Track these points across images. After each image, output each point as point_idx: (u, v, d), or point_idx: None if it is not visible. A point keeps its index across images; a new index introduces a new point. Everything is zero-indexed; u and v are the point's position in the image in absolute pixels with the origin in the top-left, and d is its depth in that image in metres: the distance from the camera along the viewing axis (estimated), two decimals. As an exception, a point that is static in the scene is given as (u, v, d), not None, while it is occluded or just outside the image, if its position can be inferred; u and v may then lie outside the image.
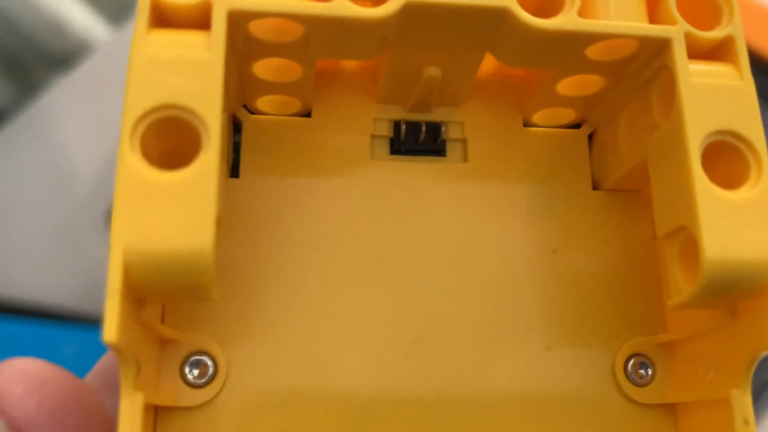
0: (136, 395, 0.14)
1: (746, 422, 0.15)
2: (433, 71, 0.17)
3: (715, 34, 0.16)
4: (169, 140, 0.14)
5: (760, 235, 0.14)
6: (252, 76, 0.17)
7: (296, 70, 0.17)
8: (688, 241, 0.15)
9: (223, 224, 0.16)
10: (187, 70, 0.14)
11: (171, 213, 0.13)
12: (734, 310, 0.15)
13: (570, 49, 0.16)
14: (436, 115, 0.19)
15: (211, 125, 0.13)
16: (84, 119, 0.47)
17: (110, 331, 0.12)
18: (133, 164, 0.13)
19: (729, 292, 0.14)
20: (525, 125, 0.19)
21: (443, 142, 0.19)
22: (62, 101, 0.49)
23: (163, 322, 0.17)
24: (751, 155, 0.15)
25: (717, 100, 0.15)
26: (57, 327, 0.42)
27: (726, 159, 0.15)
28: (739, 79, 0.15)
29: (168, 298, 0.14)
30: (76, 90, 0.49)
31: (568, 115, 0.19)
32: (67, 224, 0.44)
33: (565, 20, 0.15)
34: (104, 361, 0.17)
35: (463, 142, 0.19)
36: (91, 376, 0.17)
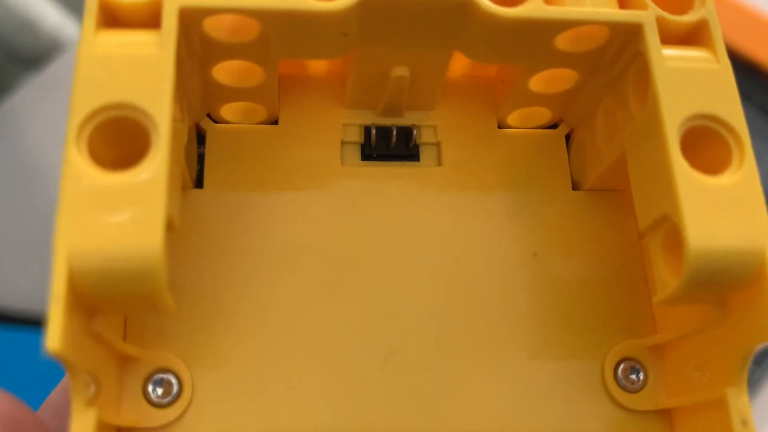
0: (88, 412, 0.13)
1: (744, 423, 0.14)
2: (401, 71, 0.17)
3: (688, 18, 0.15)
4: (121, 145, 0.14)
5: (745, 222, 0.14)
6: (213, 81, 0.16)
7: (258, 74, 0.16)
8: (671, 232, 0.14)
9: (182, 232, 0.16)
10: (135, 67, 0.13)
11: (117, 216, 0.12)
12: (724, 304, 0.15)
13: (538, 40, 0.15)
14: (407, 119, 0.18)
15: (160, 123, 0.13)
16: (56, 119, 0.45)
17: (53, 339, 0.12)
18: (79, 165, 0.13)
19: (716, 284, 0.14)
20: (500, 127, 0.19)
21: (416, 146, 0.18)
22: (33, 101, 0.47)
23: (125, 340, 0.16)
24: (732, 140, 0.14)
25: (693, 83, 0.14)
26: (31, 332, 0.40)
27: (706, 145, 0.14)
28: (716, 62, 0.15)
29: (120, 307, 0.14)
30: (48, 89, 0.47)
31: (544, 115, 0.18)
32: (40, 226, 0.42)
33: (531, 8, 0.15)
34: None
35: (437, 145, 0.18)
36: (55, 394, 0.16)
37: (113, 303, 0.13)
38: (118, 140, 0.13)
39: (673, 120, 0.14)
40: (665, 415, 0.16)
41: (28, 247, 0.43)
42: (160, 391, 0.15)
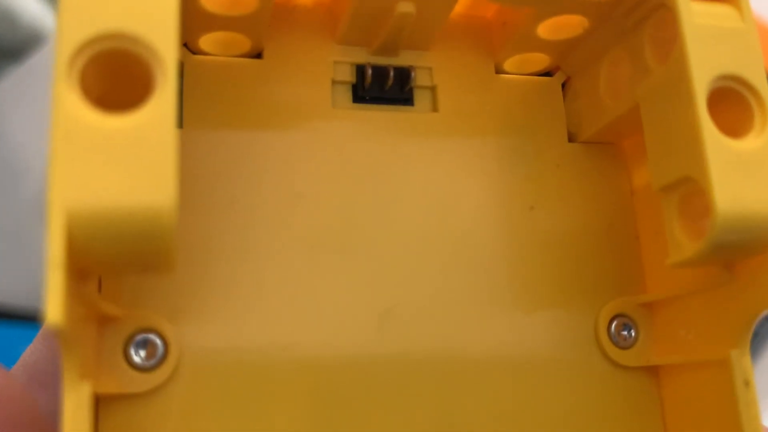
0: (83, 387, 0.11)
1: (746, 383, 0.14)
2: (406, 7, 0.15)
3: (714, -29, 0.15)
4: (107, 81, 0.12)
5: None
6: (198, 8, 0.14)
7: (251, 2, 0.14)
8: (691, 194, 0.14)
9: None
10: None
11: (123, 164, 0.11)
12: (731, 267, 0.15)
13: (563, -16, 0.14)
14: (402, 59, 0.17)
15: (167, 58, 0.11)
16: (36, 112, 0.43)
17: (55, 311, 0.10)
18: (73, 107, 0.11)
19: (736, 248, 0.14)
20: (496, 72, 0.18)
21: (411, 89, 0.17)
22: (13, 93, 0.45)
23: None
24: (754, 102, 0.14)
25: (720, 42, 0.14)
26: (13, 327, 0.39)
27: (728, 106, 0.14)
28: (741, 20, 0.14)
29: (117, 268, 0.12)
30: (28, 81, 0.45)
31: (542, 61, 0.18)
32: (21, 221, 0.41)
33: None
34: (29, 353, 0.15)
35: (432, 89, 0.17)
36: (16, 371, 0.14)
37: (112, 264, 0.11)
38: (106, 77, 0.12)
39: (702, 80, 0.14)
40: (653, 371, 0.17)
41: (10, 242, 0.41)
42: (143, 353, 0.14)
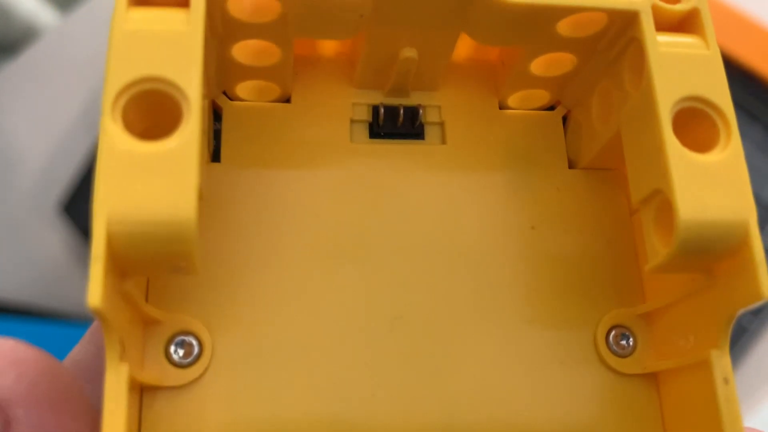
0: (122, 367, 0.14)
1: (726, 381, 0.15)
2: (409, 52, 0.17)
3: (681, 6, 0.16)
4: (150, 117, 0.14)
5: (731, 196, 0.15)
6: (231, 60, 0.17)
7: (275, 53, 0.17)
8: (663, 205, 0.15)
9: (206, 203, 0.17)
10: (167, 43, 0.14)
11: (152, 182, 0.13)
12: (709, 272, 0.16)
13: (541, 25, 0.16)
14: (413, 99, 0.19)
15: (191, 97, 0.14)
16: (31, 107, 0.45)
17: (95, 295, 0.12)
18: (115, 135, 0.13)
19: (703, 253, 0.15)
20: (500, 108, 0.20)
21: (421, 125, 0.19)
22: (8, 88, 0.47)
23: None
24: (719, 120, 0.15)
25: (685, 67, 0.15)
26: (6, 321, 0.40)
27: (695, 125, 0.15)
28: (706, 48, 0.16)
29: (151, 268, 0.15)
30: (23, 77, 0.47)
31: (543, 97, 0.19)
32: (15, 215, 0.42)
33: None
34: (77, 351, 0.17)
35: (441, 125, 0.19)
36: (76, 354, 0.17)
37: (145, 265, 0.14)
38: (148, 112, 0.14)
39: (666, 101, 0.15)
40: (652, 377, 0.18)
41: (4, 236, 0.43)
42: (181, 352, 0.16)
